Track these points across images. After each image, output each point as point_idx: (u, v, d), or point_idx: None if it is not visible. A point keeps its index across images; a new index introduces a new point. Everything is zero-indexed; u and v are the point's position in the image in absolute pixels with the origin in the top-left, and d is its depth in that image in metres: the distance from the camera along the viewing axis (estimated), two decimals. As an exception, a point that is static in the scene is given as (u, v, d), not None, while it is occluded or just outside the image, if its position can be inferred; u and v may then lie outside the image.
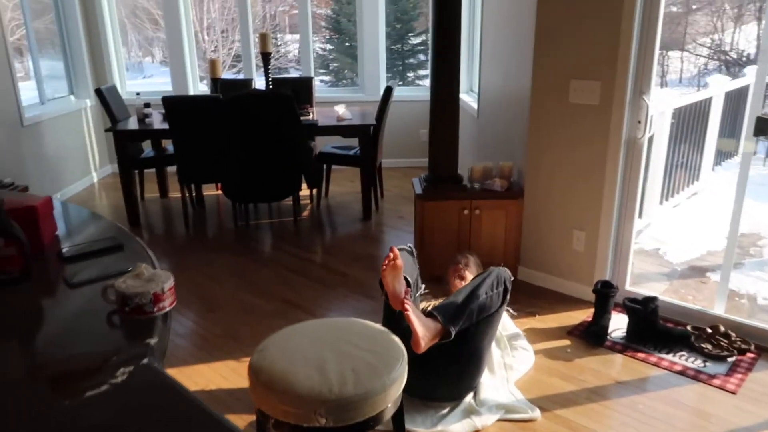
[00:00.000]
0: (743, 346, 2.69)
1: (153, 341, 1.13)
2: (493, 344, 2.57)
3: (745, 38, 10.22)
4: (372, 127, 4.40)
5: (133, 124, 4.44)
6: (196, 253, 4.01)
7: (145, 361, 1.05)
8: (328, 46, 8.89)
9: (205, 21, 10.64)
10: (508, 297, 2.29)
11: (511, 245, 3.43)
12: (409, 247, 2.57)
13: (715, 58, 10.64)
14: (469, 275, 2.81)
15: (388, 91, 4.48)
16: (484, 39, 4.38)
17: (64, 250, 1.57)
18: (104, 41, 5.71)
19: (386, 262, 2.08)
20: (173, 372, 2.63)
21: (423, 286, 2.58)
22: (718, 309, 2.93)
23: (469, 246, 3.41)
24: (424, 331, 2.03)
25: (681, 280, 3.62)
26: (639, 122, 2.88)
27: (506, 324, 2.80)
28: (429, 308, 2.23)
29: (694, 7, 10.49)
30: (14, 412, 0.94)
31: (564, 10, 2.93)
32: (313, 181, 4.39)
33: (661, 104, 4.17)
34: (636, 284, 3.43)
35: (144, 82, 10.27)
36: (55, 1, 5.36)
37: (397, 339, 1.64)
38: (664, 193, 4.61)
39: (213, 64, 4.63)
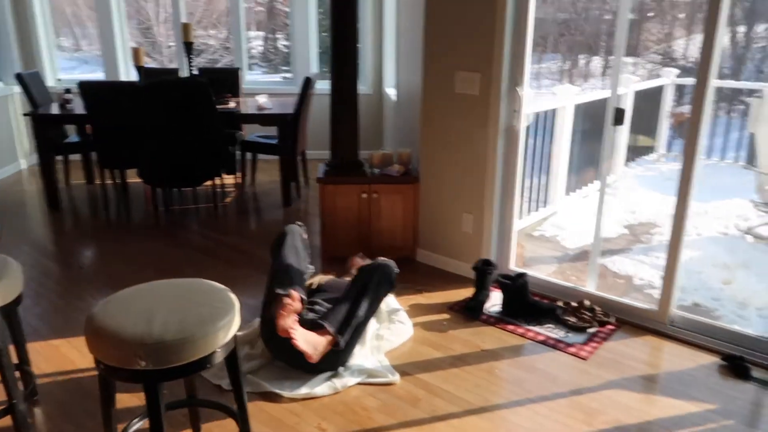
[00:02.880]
0: (604, 319, 2.92)
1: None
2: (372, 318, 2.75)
3: (694, 46, 10.78)
4: (290, 116, 4.54)
5: (54, 109, 4.49)
6: (113, 236, 4.08)
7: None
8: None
9: (161, 14, 10.52)
10: (392, 290, 2.49)
11: (409, 228, 3.61)
12: (299, 224, 2.72)
13: (663, 63, 11.14)
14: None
15: (307, 82, 4.62)
16: (399, 36, 4.57)
17: None
18: (33, 29, 5.72)
19: (285, 306, 2.25)
20: (59, 342, 2.74)
21: (311, 267, 2.74)
22: (590, 286, 3.17)
23: (369, 228, 3.58)
24: (313, 348, 2.24)
25: (570, 263, 3.86)
26: (515, 111, 3.09)
27: (388, 300, 2.97)
28: (314, 314, 2.41)
29: (650, 15, 11.04)
30: None
31: (449, 6, 3.13)
32: (227, 168, 4.49)
33: (563, 99, 4.42)
34: (527, 266, 3.66)
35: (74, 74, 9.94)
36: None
37: (232, 296, 1.79)
38: (571, 185, 4.87)
39: (136, 52, 4.70)
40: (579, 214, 4.69)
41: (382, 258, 2.62)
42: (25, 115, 4.32)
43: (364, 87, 6.32)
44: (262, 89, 5.97)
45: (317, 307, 2.56)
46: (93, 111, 4.12)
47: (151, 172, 4.22)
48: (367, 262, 3.18)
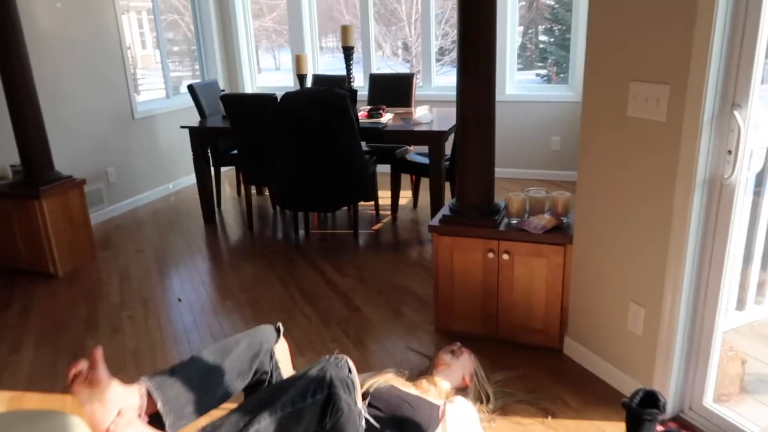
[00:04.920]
0: None
1: None
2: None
3: None
4: (447, 134, 3.70)
5: (220, 121, 4.41)
6: (237, 260, 3.78)
7: None
8: (550, 39, 7.89)
9: (413, 15, 10.30)
10: (338, 407, 1.53)
11: (554, 306, 2.51)
12: (278, 327, 1.87)
13: None
14: (439, 381, 2.10)
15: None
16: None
17: None
18: (236, 46, 5.97)
19: (74, 371, 1.38)
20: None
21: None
22: None
23: (497, 299, 2.59)
24: None
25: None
26: (729, 153, 1.80)
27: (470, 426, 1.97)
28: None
29: None
30: None
31: (625, -22, 1.97)
32: (364, 194, 3.82)
33: None
34: (748, 393, 2.28)
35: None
36: (194, 11, 5.72)
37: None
38: None
39: (298, 59, 4.36)
40: None
41: (339, 355, 1.65)
42: (182, 127, 4.29)
43: (572, 93, 5.12)
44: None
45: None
46: (235, 124, 3.87)
47: (281, 193, 3.81)
48: (464, 358, 2.24)
